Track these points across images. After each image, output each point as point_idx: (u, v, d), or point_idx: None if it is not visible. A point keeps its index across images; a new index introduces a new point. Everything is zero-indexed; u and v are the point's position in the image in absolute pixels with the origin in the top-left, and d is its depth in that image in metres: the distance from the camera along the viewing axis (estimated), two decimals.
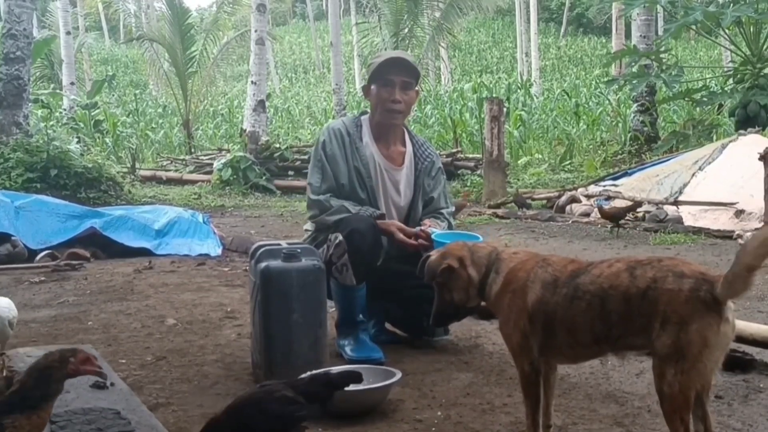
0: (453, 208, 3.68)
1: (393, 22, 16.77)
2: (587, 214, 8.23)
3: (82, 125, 16.10)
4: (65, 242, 6.00)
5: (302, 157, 12.73)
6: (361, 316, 3.30)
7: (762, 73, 11.20)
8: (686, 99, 12.70)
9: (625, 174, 9.53)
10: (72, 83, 17.53)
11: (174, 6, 16.92)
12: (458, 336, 3.56)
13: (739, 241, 5.12)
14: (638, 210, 7.92)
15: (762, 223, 6.95)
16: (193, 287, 4.93)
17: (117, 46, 41.27)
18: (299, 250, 2.88)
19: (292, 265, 2.81)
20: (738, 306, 3.28)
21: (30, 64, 10.53)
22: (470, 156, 13.15)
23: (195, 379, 2.99)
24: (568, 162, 13.74)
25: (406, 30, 16.82)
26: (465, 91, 20.78)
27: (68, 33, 17.62)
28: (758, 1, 10.53)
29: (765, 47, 11.44)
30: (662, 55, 12.84)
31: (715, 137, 11.59)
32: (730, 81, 12.83)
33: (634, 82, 11.89)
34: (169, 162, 15.58)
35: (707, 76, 18.64)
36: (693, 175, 8.00)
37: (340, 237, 3.14)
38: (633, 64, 12.37)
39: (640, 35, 12.98)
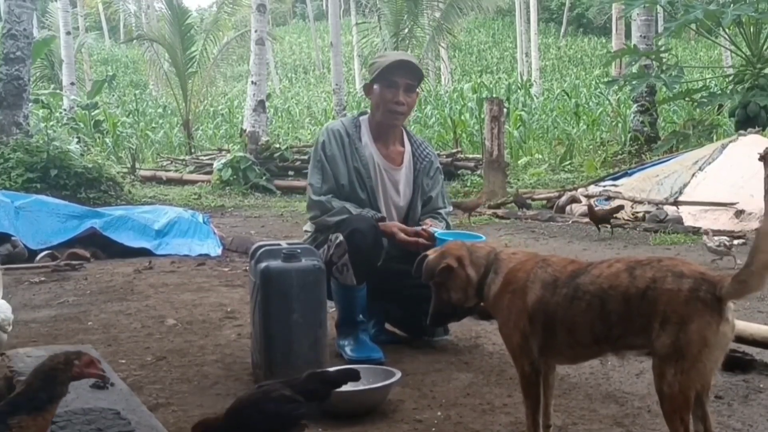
0: (450, 208, 3.71)
1: (393, 22, 16.78)
2: (587, 215, 8.23)
3: (82, 125, 16.11)
4: (65, 242, 6.00)
5: (302, 157, 12.73)
6: (361, 316, 3.30)
7: (762, 74, 11.21)
8: (686, 99, 12.71)
9: (625, 174, 9.53)
10: (72, 83, 17.54)
11: (174, 6, 16.93)
12: (458, 336, 3.56)
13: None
14: (638, 210, 7.92)
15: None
16: (193, 287, 4.93)
17: (117, 46, 41.26)
18: (299, 250, 2.88)
19: (292, 265, 2.81)
20: (738, 306, 3.28)
21: (30, 64, 10.54)
22: (470, 156, 13.16)
23: (195, 379, 2.99)
24: (568, 162, 13.74)
25: (406, 30, 16.83)
26: (465, 92, 20.77)
27: (68, 33, 17.62)
28: (758, 1, 10.54)
29: (765, 48, 11.44)
30: (662, 56, 12.85)
31: (715, 137, 11.59)
32: (729, 81, 12.84)
33: (634, 82, 11.90)
34: (169, 162, 15.59)
35: (707, 76, 18.66)
36: (693, 175, 8.01)
37: (341, 237, 3.14)
38: (633, 64, 12.38)
39: (640, 35, 12.99)
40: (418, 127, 16.86)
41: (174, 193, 11.98)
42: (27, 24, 10.20)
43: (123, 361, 3.23)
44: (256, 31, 14.16)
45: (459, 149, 13.79)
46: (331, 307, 3.20)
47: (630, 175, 9.34)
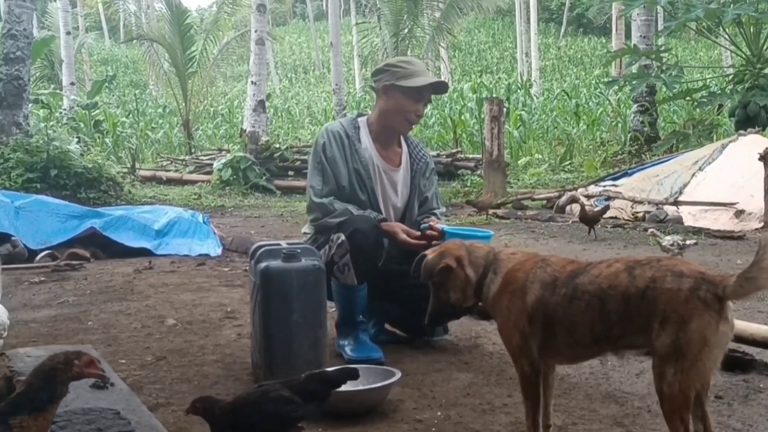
0: (444, 209, 3.74)
1: (393, 23, 16.78)
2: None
3: (82, 125, 16.11)
4: (65, 242, 6.00)
5: (302, 157, 12.74)
6: (361, 316, 3.30)
7: (762, 74, 11.22)
8: (686, 99, 12.72)
9: (625, 174, 9.54)
10: (72, 83, 17.55)
11: (173, 6, 16.93)
12: (458, 336, 3.56)
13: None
14: (638, 210, 7.93)
15: (762, 224, 6.96)
16: (193, 287, 4.93)
17: (117, 46, 41.26)
18: (299, 251, 2.88)
19: (292, 265, 2.81)
20: (738, 306, 3.28)
21: (30, 64, 10.55)
22: (470, 156, 13.17)
23: (195, 379, 2.99)
24: (568, 162, 13.75)
25: (406, 30, 16.84)
26: (465, 92, 20.79)
27: (68, 33, 17.62)
28: (759, 1, 10.54)
29: (765, 47, 11.45)
30: (662, 55, 12.86)
31: (715, 137, 11.61)
32: (729, 81, 12.84)
33: (634, 82, 11.91)
34: (169, 162, 15.59)
35: (707, 76, 18.66)
36: (693, 175, 8.01)
37: (343, 237, 3.14)
38: (633, 64, 12.38)
39: (640, 35, 13.00)
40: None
41: (174, 193, 11.98)
42: (27, 24, 10.20)
43: (123, 361, 3.23)
44: (256, 31, 14.17)
45: (459, 149, 13.80)
46: (331, 307, 3.21)
47: (630, 175, 9.35)
